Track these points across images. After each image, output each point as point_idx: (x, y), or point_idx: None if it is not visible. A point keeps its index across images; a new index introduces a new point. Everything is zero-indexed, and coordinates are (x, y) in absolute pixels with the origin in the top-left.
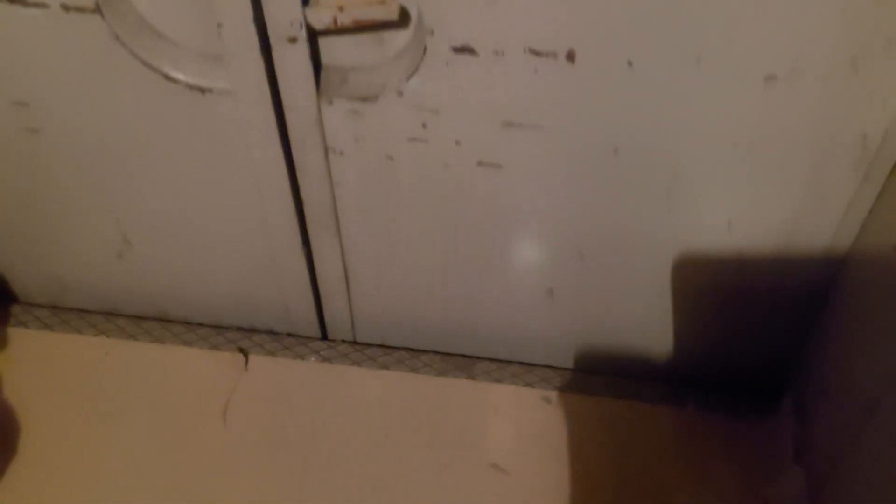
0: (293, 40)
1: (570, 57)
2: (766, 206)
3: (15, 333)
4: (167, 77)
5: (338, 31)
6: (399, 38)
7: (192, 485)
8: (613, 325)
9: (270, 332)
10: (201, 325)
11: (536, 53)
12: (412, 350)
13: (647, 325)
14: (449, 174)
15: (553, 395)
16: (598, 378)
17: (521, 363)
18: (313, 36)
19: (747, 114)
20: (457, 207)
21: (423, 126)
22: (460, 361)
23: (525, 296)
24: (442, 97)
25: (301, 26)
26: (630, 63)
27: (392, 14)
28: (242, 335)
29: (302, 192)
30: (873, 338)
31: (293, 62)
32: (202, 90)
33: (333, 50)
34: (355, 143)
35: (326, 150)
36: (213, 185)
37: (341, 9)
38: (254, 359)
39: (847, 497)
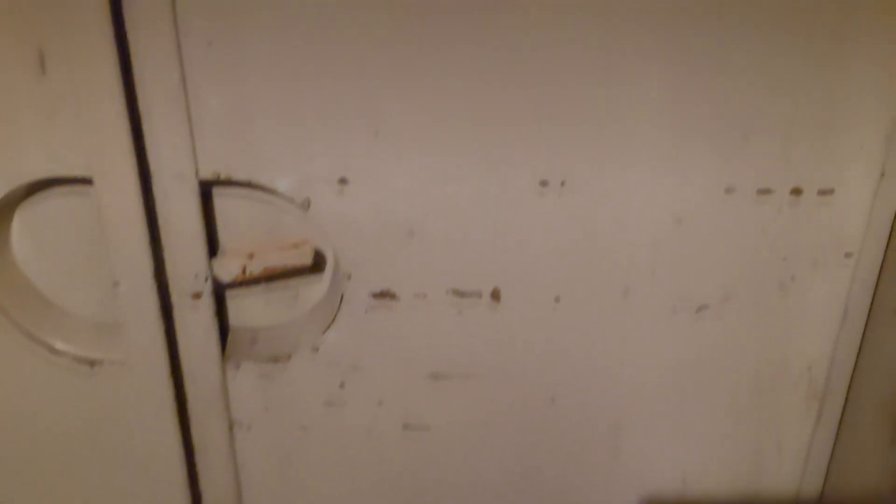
0: (197, 296)
1: (495, 296)
2: (721, 456)
3: None
4: (52, 350)
5: (247, 282)
6: (314, 287)
7: None
8: None
9: None
10: None
11: (460, 294)
12: None
13: None
14: (371, 443)
15: None
16: None
17: None
18: (220, 292)
19: (683, 347)
20: (379, 481)
21: (342, 386)
22: None
23: None
24: (362, 350)
25: (206, 279)
26: (557, 299)
27: (306, 258)
28: None
29: (200, 479)
30: None
31: (196, 322)
32: (91, 362)
33: (242, 308)
34: (265, 412)
35: (231, 425)
36: (99, 474)
37: (251, 256)
38: None
39: None
